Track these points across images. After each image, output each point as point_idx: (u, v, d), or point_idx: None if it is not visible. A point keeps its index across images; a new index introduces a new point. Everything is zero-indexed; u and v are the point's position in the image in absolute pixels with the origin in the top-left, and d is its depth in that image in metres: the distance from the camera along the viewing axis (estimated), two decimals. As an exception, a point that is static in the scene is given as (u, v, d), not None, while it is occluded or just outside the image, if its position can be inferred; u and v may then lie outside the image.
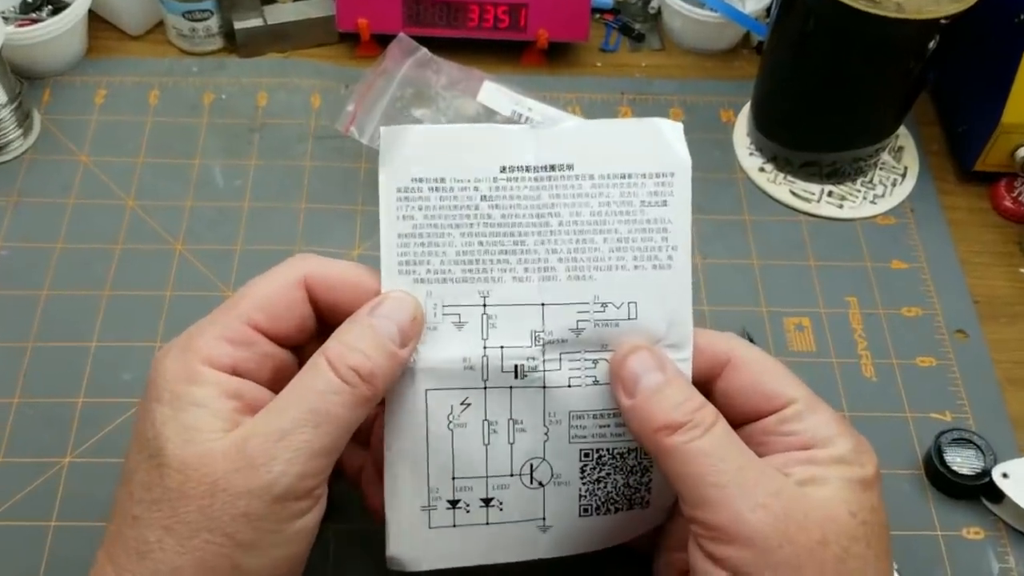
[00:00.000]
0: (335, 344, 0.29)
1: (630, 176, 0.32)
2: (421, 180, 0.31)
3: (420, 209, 0.31)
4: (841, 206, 0.50)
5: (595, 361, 0.32)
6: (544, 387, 0.32)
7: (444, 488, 0.32)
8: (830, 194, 0.50)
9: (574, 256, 0.31)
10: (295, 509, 0.27)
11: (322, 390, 0.28)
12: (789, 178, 0.51)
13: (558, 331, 0.32)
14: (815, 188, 0.50)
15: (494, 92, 0.49)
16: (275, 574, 0.28)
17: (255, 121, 0.52)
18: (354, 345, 0.29)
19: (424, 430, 0.32)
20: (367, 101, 0.48)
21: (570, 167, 0.32)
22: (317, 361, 0.29)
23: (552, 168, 0.32)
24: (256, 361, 0.30)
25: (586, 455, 0.32)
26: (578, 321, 0.32)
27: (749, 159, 0.52)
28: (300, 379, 0.29)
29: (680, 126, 0.32)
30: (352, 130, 0.47)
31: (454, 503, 0.32)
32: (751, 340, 0.44)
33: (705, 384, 0.32)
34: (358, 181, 0.50)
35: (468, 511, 0.32)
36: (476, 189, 0.31)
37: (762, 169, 0.51)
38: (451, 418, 0.32)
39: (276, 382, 0.30)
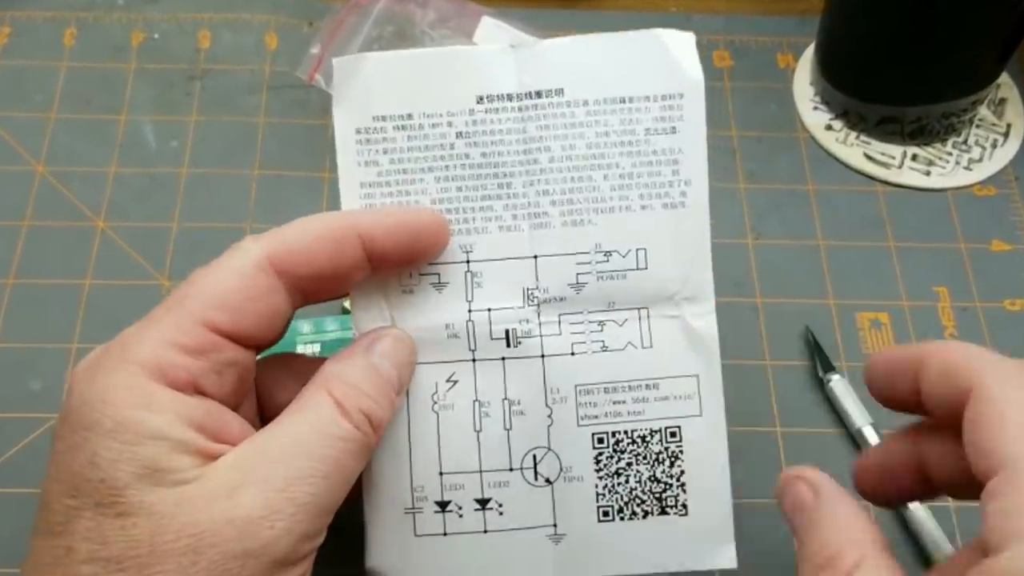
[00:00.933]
0: (340, 384, 0.29)
1: (631, 100, 0.32)
2: (384, 118, 0.32)
3: (385, 152, 0.32)
4: (928, 173, 0.49)
5: (601, 323, 0.32)
6: (543, 356, 0.32)
7: (430, 486, 0.32)
8: (914, 158, 0.50)
9: (570, 198, 0.32)
10: None
11: (331, 434, 0.28)
12: (863, 138, 0.50)
13: (555, 287, 0.32)
14: (895, 151, 0.50)
15: (494, 31, 0.48)
16: None
17: (195, 67, 0.51)
18: (361, 387, 0.29)
19: (404, 414, 0.32)
20: (336, 42, 0.48)
21: (559, 92, 0.32)
22: (320, 400, 0.29)
23: (538, 95, 0.32)
24: (218, 372, 0.29)
25: (600, 441, 0.32)
26: (578, 275, 0.32)
27: (813, 114, 0.51)
28: (299, 414, 0.28)
29: (690, 36, 0.33)
30: (317, 78, 0.47)
31: (443, 505, 0.32)
32: (815, 341, 0.44)
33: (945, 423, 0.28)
34: (325, 141, 0.49)
35: (461, 515, 0.32)
36: (450, 125, 0.32)
37: (829, 127, 0.51)
38: (435, 398, 0.32)
39: (236, 395, 0.30)
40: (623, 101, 0.32)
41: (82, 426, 0.27)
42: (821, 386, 0.43)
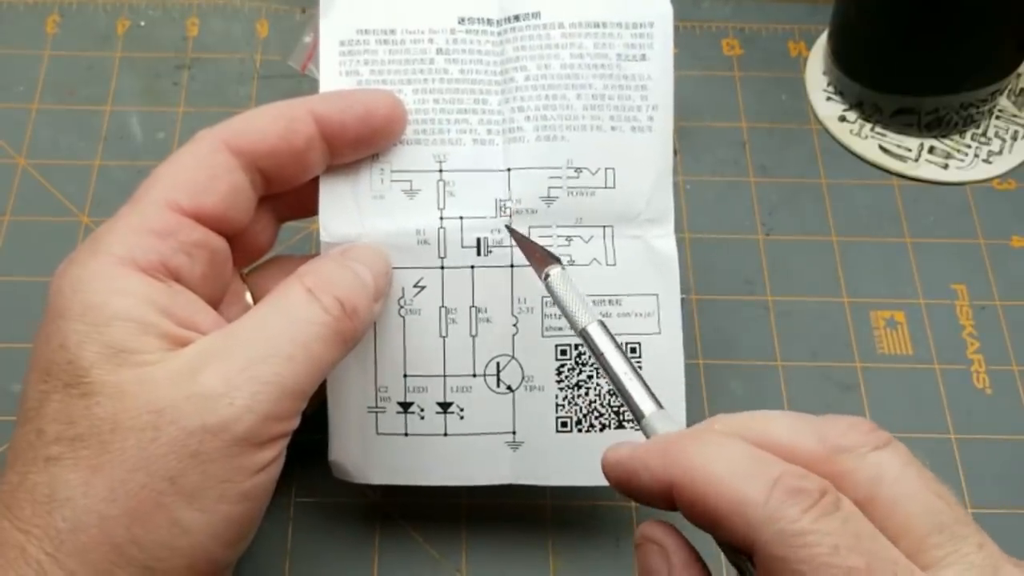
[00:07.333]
0: (312, 275, 0.31)
1: (604, 25, 0.35)
2: (367, 32, 0.34)
3: (366, 64, 0.34)
4: (946, 166, 0.49)
5: (568, 239, 0.35)
6: (512, 266, 0.34)
7: (394, 387, 0.34)
8: (932, 150, 0.50)
9: (544, 114, 0.34)
10: (254, 460, 0.28)
11: (300, 318, 0.29)
12: (878, 130, 0.50)
13: (527, 200, 0.34)
14: (912, 143, 0.50)
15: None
16: (217, 537, 0.28)
17: (183, 56, 0.51)
18: (334, 279, 0.31)
19: None
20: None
21: (536, 15, 0.35)
22: (290, 288, 0.30)
23: (516, 19, 0.35)
24: (187, 252, 0.30)
25: (563, 352, 0.34)
26: (550, 188, 0.34)
27: (826, 105, 0.51)
28: (269, 302, 0.30)
29: None
30: (310, 68, 0.48)
31: (406, 406, 0.34)
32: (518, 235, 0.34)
33: None
34: (318, 133, 0.49)
35: (423, 417, 0.34)
36: (431, 42, 0.35)
37: (843, 118, 0.51)
38: (402, 302, 0.34)
39: (209, 283, 0.32)
40: (597, 26, 0.35)
41: (56, 314, 0.28)
42: (839, 390, 0.42)
